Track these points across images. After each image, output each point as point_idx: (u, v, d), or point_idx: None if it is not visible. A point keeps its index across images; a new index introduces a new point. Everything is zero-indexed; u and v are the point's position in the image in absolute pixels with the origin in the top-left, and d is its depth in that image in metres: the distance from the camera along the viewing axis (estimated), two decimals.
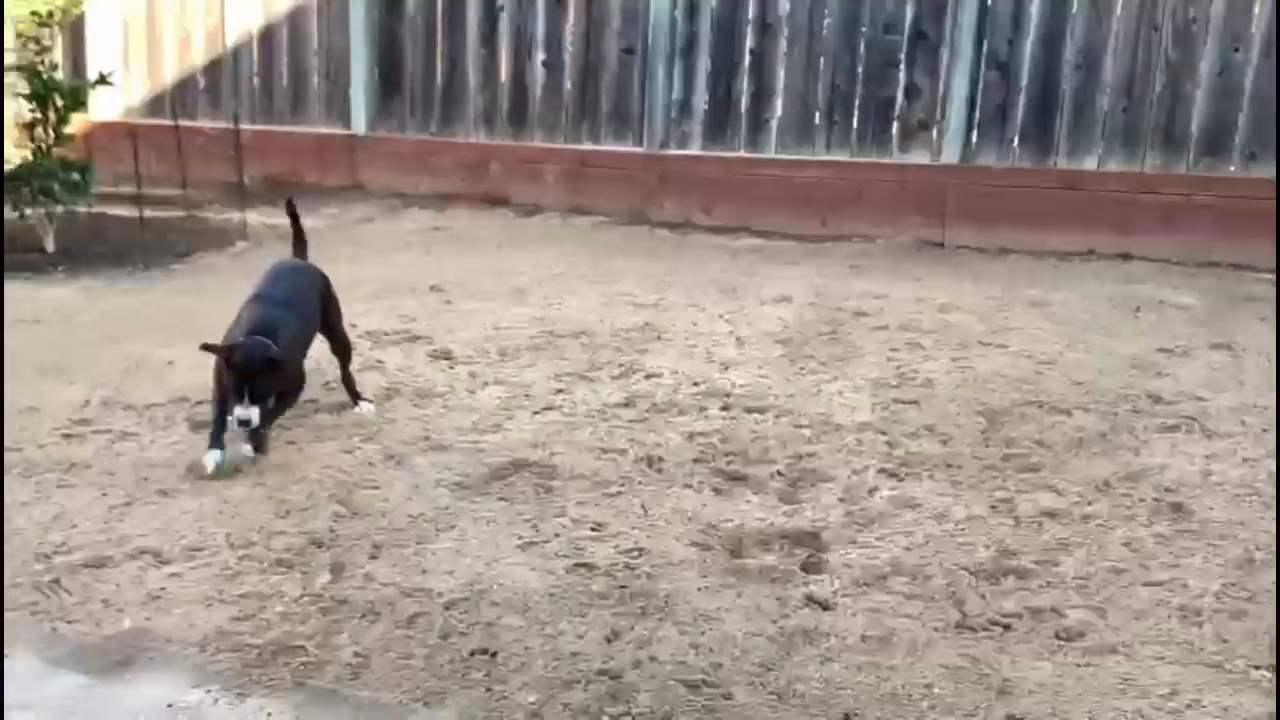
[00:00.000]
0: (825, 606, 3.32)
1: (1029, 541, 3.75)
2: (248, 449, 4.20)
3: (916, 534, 3.79)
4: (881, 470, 4.30)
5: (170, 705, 2.74)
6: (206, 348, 4.16)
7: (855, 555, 3.64)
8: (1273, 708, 2.84)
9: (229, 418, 4.11)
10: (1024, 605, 3.33)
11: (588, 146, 9.93)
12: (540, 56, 10.01)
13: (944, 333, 6.18)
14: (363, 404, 4.84)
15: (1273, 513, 3.94)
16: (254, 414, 4.08)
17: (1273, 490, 4.12)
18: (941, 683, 2.95)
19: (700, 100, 9.49)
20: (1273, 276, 7.24)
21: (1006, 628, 3.22)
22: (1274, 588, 3.42)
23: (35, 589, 3.28)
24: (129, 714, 2.71)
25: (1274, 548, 3.68)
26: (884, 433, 4.69)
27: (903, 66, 8.94)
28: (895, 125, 9.01)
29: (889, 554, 3.65)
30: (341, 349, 4.89)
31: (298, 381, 4.51)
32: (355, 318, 6.08)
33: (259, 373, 4.09)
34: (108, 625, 3.11)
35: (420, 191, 10.34)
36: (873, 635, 3.17)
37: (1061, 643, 3.14)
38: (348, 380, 4.88)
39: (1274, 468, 4.33)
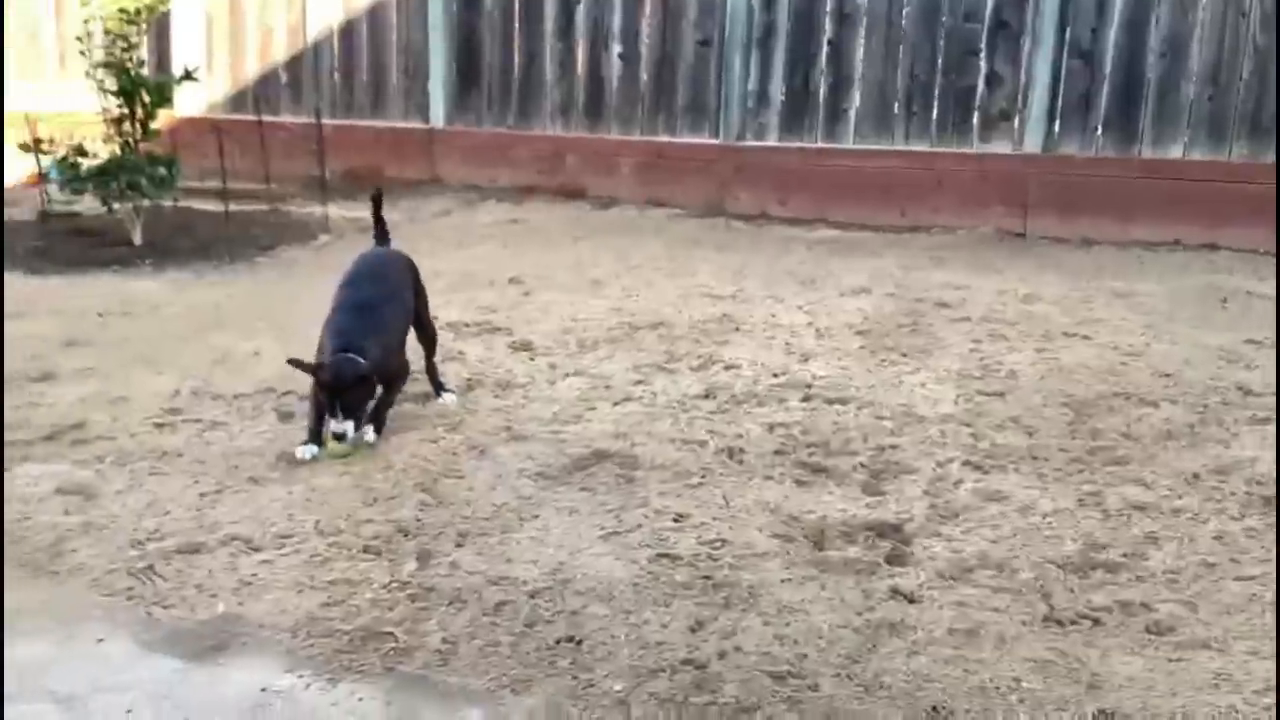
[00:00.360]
0: (911, 599, 3.29)
1: (1117, 535, 3.69)
2: (369, 434, 4.33)
3: (1003, 527, 3.75)
4: (966, 462, 4.26)
5: (264, 689, 2.79)
6: (294, 364, 4.24)
7: (940, 548, 3.60)
8: None
9: (326, 431, 4.21)
10: (1113, 599, 3.28)
11: (663, 138, 9.93)
12: (616, 49, 10.03)
13: (1027, 324, 6.10)
14: (446, 395, 4.88)
15: None
16: (349, 427, 4.17)
17: None
18: (1030, 677, 2.91)
19: (777, 91, 9.45)
20: None
21: (1095, 622, 3.17)
22: None
23: (130, 575, 3.35)
24: (223, 698, 2.75)
25: None
26: (968, 425, 4.64)
27: (983, 55, 8.85)
28: (976, 114, 8.92)
29: (975, 547, 3.61)
30: (427, 339, 4.95)
31: (403, 369, 4.62)
32: (436, 309, 6.11)
33: (349, 389, 4.18)
34: (201, 610, 3.17)
35: (497, 184, 10.42)
36: (959, 628, 3.13)
37: (1152, 637, 3.09)
38: (431, 370, 4.94)
39: None
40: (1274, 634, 3.10)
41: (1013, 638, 3.09)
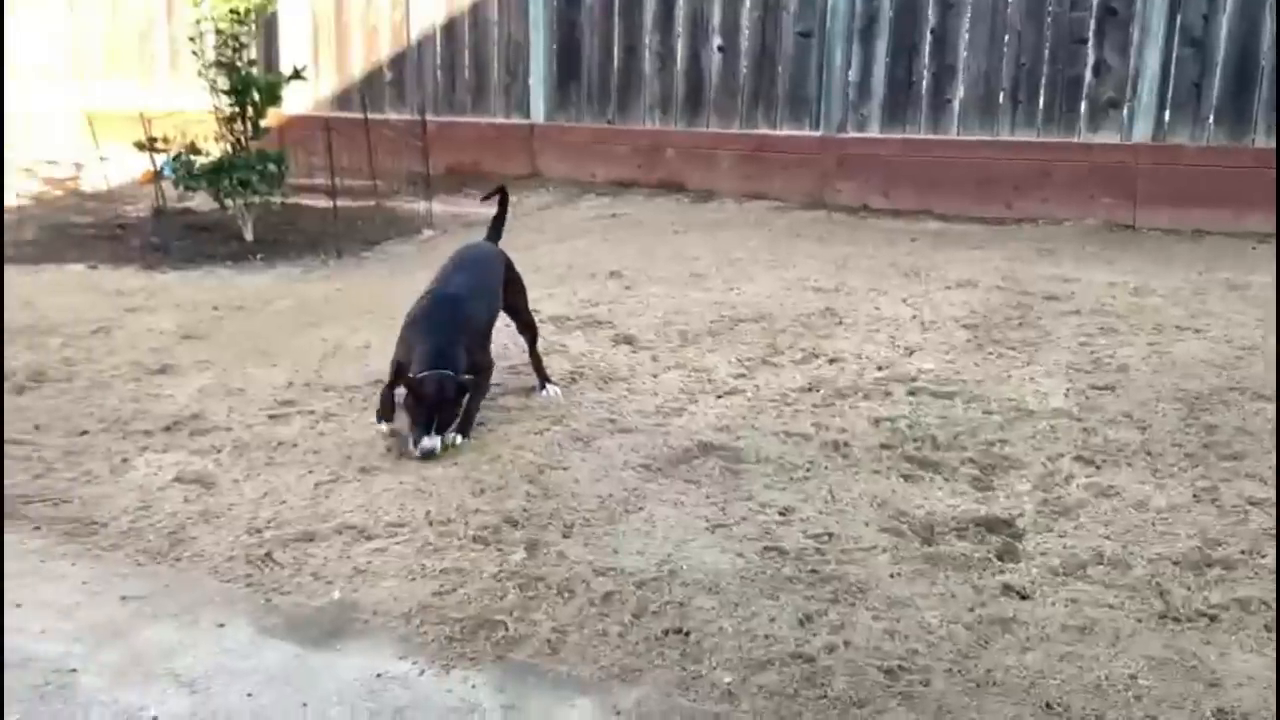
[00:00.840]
0: (1023, 595, 3.25)
1: (1234, 531, 3.61)
2: (456, 438, 4.34)
3: (1116, 523, 3.69)
4: (1078, 458, 4.19)
5: (379, 675, 2.84)
6: (402, 382, 4.31)
7: (1052, 544, 3.55)
8: None
9: (414, 446, 4.23)
10: (1230, 596, 3.22)
11: (763, 131, 9.89)
12: (716, 41, 10.01)
13: (1138, 317, 5.98)
14: (550, 388, 4.93)
15: None
16: (438, 444, 4.22)
17: None
18: (1146, 674, 2.86)
19: (879, 81, 9.36)
20: None
21: (1213, 619, 3.11)
22: None
23: (248, 562, 3.44)
24: (340, 683, 2.81)
25: None
26: (1079, 419, 4.56)
27: (1091, 43, 8.67)
28: (1083, 104, 8.75)
29: (1088, 543, 3.55)
30: (527, 329, 5.02)
31: (487, 365, 4.66)
32: (537, 303, 6.18)
33: (447, 403, 4.26)
34: (317, 597, 3.24)
35: (596, 178, 10.47)
36: (1073, 625, 3.09)
37: (1271, 635, 3.02)
38: (536, 363, 5.00)
39: None
40: None
41: (1128, 635, 3.04)
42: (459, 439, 4.35)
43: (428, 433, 4.20)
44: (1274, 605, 3.16)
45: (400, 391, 4.40)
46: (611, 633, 3.05)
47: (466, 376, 4.33)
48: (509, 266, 5.00)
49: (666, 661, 2.92)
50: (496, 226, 5.21)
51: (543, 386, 4.93)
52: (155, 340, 5.67)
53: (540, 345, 5.09)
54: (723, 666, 2.90)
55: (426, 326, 4.47)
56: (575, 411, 4.70)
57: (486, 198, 5.25)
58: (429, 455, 4.19)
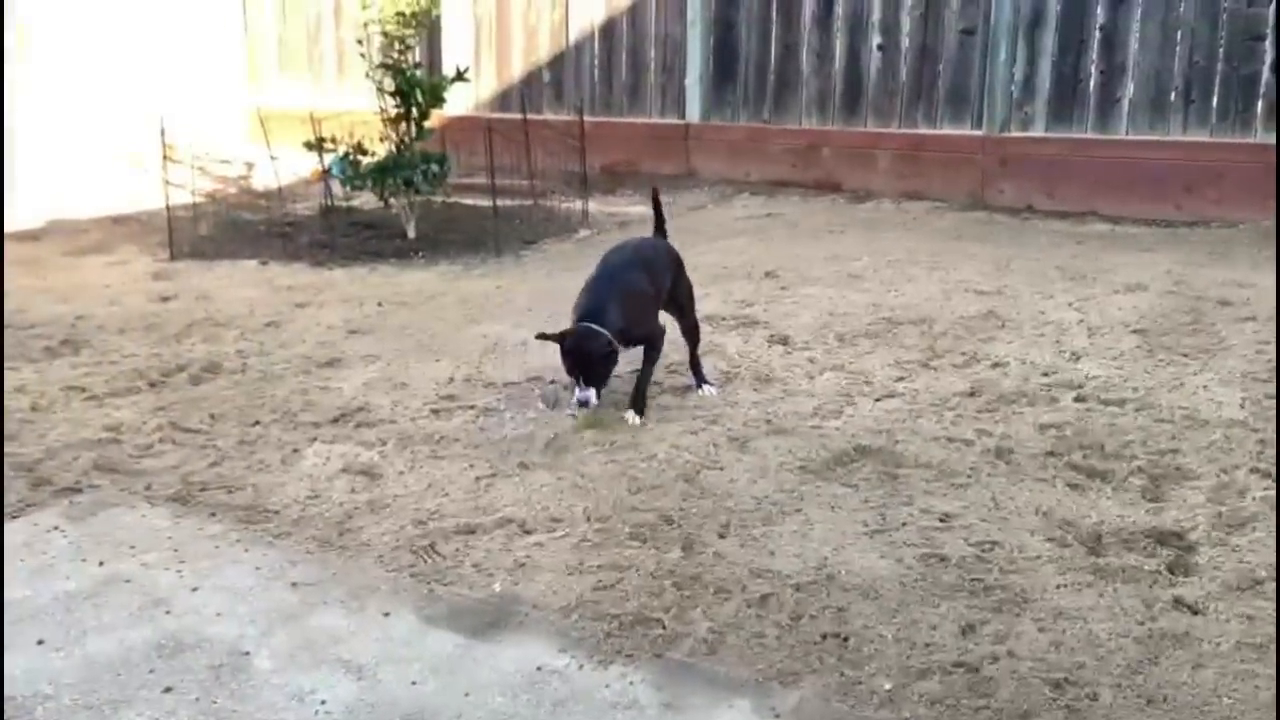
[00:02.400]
0: (1195, 610, 3.14)
1: None
2: (632, 417, 4.57)
3: None
4: (1254, 469, 4.02)
5: (539, 668, 2.88)
6: (541, 336, 4.55)
7: (1226, 558, 3.42)
8: None
9: (572, 400, 4.43)
10: None
11: (923, 130, 9.74)
12: (875, 39, 9.88)
13: None
14: (706, 387, 4.94)
15: None
16: (591, 395, 4.40)
17: None
18: None
19: (1044, 79, 9.13)
20: None
21: None
22: None
23: (413, 552, 3.52)
24: (502, 674, 2.85)
25: None
26: (1256, 430, 4.37)
27: (1269, 40, 8.30)
28: (1260, 103, 8.38)
29: (1264, 558, 3.41)
30: (690, 331, 5.04)
31: (656, 332, 4.78)
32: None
33: (589, 358, 4.41)
34: (479, 589, 3.30)
35: (750, 178, 10.44)
36: (1248, 642, 2.97)
37: None
38: (694, 362, 5.02)
39: None
40: None
41: None
42: (636, 419, 4.52)
43: (579, 385, 4.39)
44: None
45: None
46: (769, 635, 3.04)
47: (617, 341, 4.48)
48: (678, 263, 5.05)
49: (825, 666, 2.90)
50: (660, 223, 5.29)
51: (699, 386, 4.95)
52: (323, 334, 5.85)
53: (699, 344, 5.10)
54: (882, 673, 2.86)
55: (585, 292, 4.66)
56: (731, 412, 4.69)
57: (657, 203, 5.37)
58: (584, 404, 4.43)
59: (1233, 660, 2.89)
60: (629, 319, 4.56)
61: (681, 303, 5.03)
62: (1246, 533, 3.57)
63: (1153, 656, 2.92)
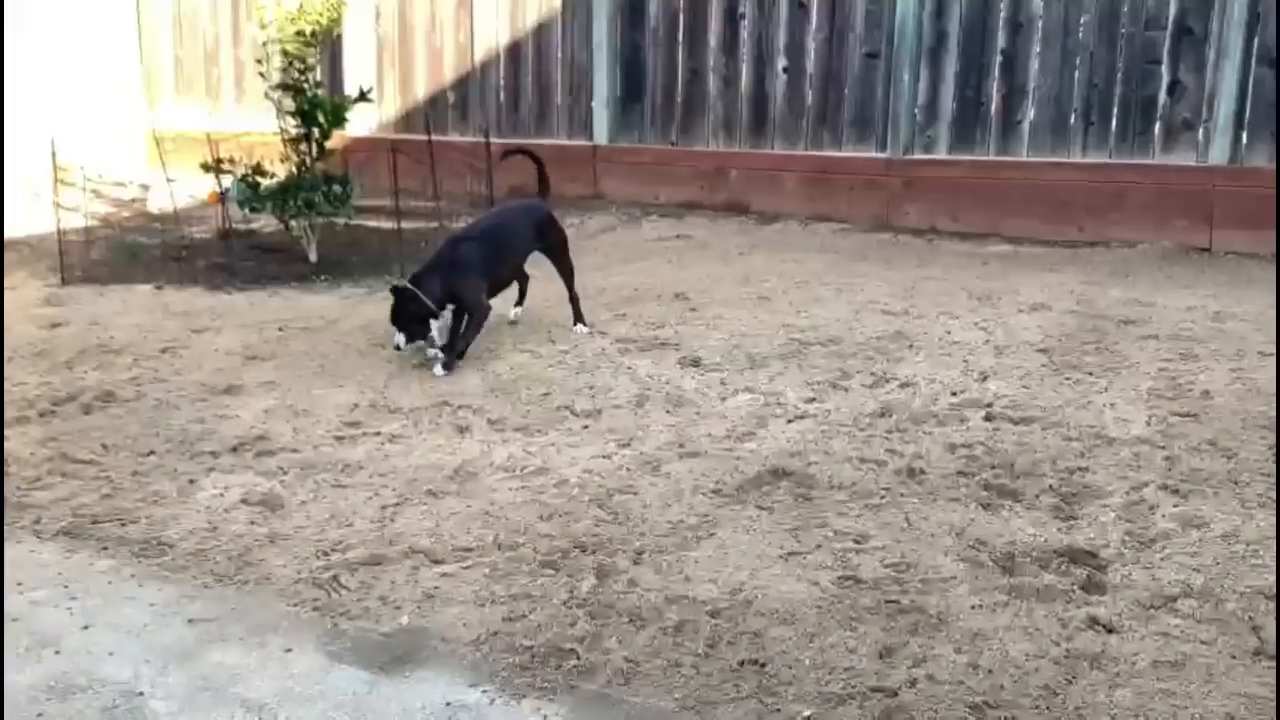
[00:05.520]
0: (1110, 629, 3.14)
1: None
2: (438, 368, 5.41)
3: (1204, 554, 3.55)
4: (1162, 486, 4.05)
5: (449, 704, 2.78)
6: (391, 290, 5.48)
7: (1139, 576, 3.43)
8: None
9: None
10: None
11: (829, 153, 9.79)
12: (781, 63, 9.93)
13: (1220, 342, 5.80)
14: (579, 326, 6.03)
15: None
16: (399, 340, 5.38)
17: None
18: (1242, 713, 2.74)
19: (947, 103, 9.23)
20: None
21: None
22: None
23: (316, 585, 3.40)
24: (410, 711, 2.75)
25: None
26: (1162, 447, 4.42)
27: (1165, 63, 8.48)
28: (1158, 125, 8.56)
29: (1175, 575, 3.42)
30: (566, 274, 6.13)
31: (479, 307, 5.59)
32: (604, 325, 6.19)
33: (396, 305, 5.39)
34: (385, 622, 3.19)
35: (659, 200, 10.42)
36: (1164, 660, 2.98)
37: None
38: (573, 300, 6.12)
39: None
40: None
41: (1222, 672, 2.92)
42: (441, 371, 5.38)
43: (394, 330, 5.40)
44: None
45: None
46: (686, 663, 2.97)
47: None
48: (547, 219, 6.13)
49: (743, 693, 2.84)
50: (542, 187, 6.40)
51: (576, 323, 6.06)
52: (221, 361, 5.68)
53: (608, 367, 5.11)
54: (801, 699, 2.81)
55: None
56: (643, 435, 4.63)
57: (505, 155, 7.00)
58: (398, 349, 5.42)
59: (1149, 679, 2.89)
60: (454, 284, 5.49)
61: (554, 248, 6.12)
62: (1157, 550, 3.59)
63: (1070, 677, 2.91)
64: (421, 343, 5.52)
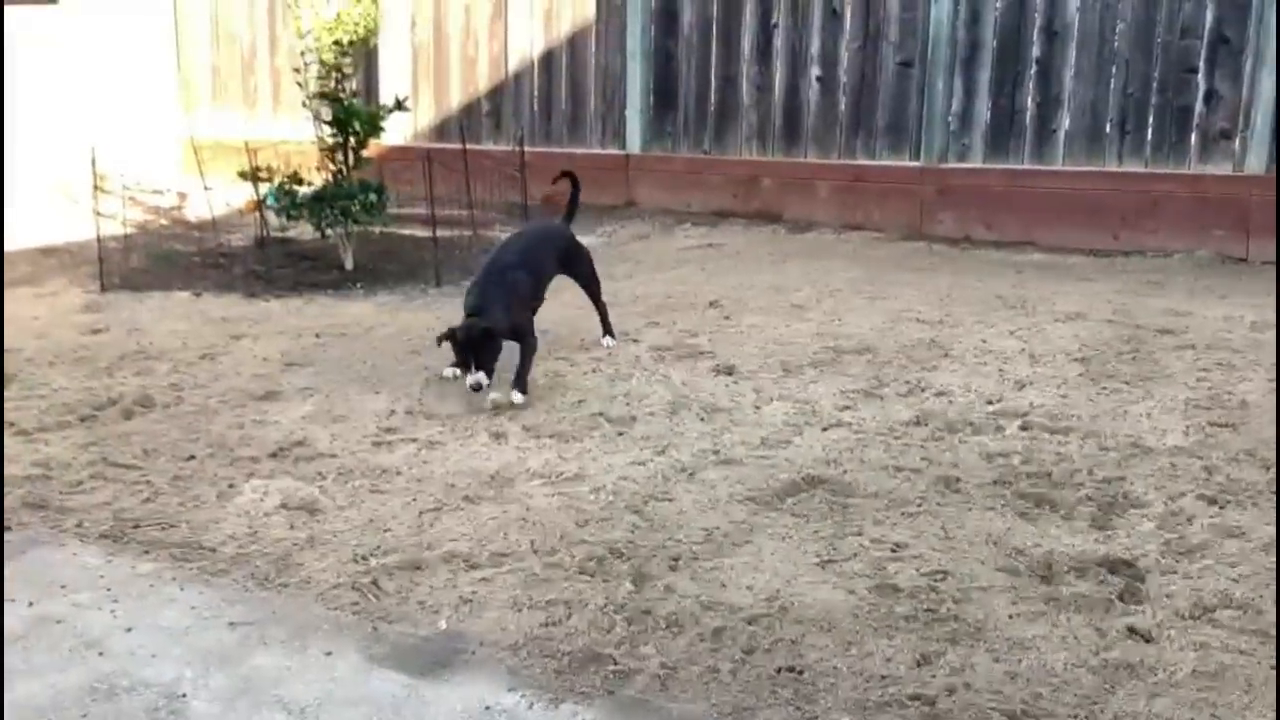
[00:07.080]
0: (1148, 639, 3.12)
1: None
2: (517, 396, 5.09)
3: (1243, 565, 3.53)
4: (1200, 496, 4.03)
5: (488, 708, 2.79)
6: (440, 338, 5.10)
7: (1177, 585, 3.41)
8: None
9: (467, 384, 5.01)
10: None
11: (862, 161, 9.79)
12: (815, 72, 9.94)
13: (1257, 352, 5.77)
14: (608, 339, 6.02)
15: None
16: (481, 378, 4.93)
17: None
18: None
19: (981, 111, 9.22)
20: None
21: None
22: None
23: (355, 589, 3.42)
24: (450, 714, 2.77)
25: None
26: (1200, 457, 4.39)
27: (1202, 72, 8.45)
28: (1193, 134, 8.52)
29: (1215, 585, 3.41)
30: (593, 293, 6.07)
31: (524, 332, 5.34)
32: (638, 333, 6.21)
33: (477, 344, 4.99)
34: (424, 626, 3.21)
35: (692, 209, 10.44)
36: (1203, 670, 2.96)
37: None
38: (601, 313, 6.08)
39: None
40: None
41: (1262, 682, 2.91)
42: (520, 398, 5.07)
43: (469, 370, 4.97)
44: None
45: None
46: (723, 670, 2.98)
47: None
48: (572, 244, 5.97)
49: (780, 700, 2.84)
50: (571, 207, 6.19)
51: (604, 336, 6.04)
52: (259, 367, 5.73)
53: (641, 374, 5.11)
54: (839, 707, 2.81)
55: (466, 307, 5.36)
56: (678, 442, 4.64)
57: (556, 180, 6.46)
58: (476, 388, 4.93)
59: (1188, 689, 2.88)
60: (508, 314, 5.26)
61: (581, 274, 6.02)
62: (1196, 560, 3.57)
63: (1108, 686, 2.90)
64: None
